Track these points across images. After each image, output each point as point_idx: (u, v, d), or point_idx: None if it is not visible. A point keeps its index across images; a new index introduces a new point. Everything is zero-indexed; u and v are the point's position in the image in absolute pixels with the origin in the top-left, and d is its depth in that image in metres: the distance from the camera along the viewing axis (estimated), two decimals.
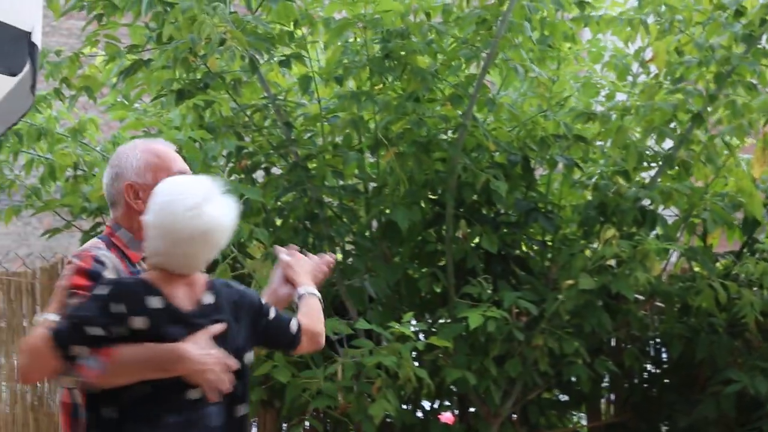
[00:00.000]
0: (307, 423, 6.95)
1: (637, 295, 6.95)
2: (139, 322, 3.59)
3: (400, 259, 6.93)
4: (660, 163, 6.94)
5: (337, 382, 6.37)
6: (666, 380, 7.47)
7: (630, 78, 7.24)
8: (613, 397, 7.63)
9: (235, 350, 3.69)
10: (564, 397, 7.40)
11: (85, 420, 3.70)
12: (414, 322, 6.65)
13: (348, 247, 6.99)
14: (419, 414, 7.11)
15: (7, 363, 7.92)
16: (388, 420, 6.73)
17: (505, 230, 6.95)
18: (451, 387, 6.93)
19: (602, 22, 6.92)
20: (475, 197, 6.81)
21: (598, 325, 6.72)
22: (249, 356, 3.78)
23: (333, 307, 6.79)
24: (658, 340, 7.43)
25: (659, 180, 6.93)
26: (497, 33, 6.43)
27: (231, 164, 6.77)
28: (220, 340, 3.66)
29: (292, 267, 4.07)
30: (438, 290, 7.00)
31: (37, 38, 4.13)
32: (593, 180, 7.02)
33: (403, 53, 6.56)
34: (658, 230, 6.94)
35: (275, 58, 6.67)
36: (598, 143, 7.09)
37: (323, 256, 4.18)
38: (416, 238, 6.94)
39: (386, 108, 6.65)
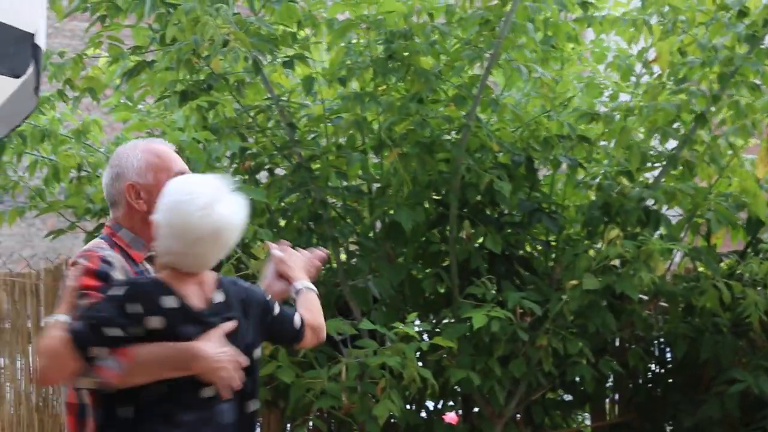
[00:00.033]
0: (311, 423, 6.96)
1: (641, 295, 6.95)
2: (155, 322, 3.62)
3: (403, 259, 6.93)
4: (664, 163, 6.94)
5: (341, 382, 6.37)
6: (670, 380, 7.47)
7: (633, 78, 7.24)
8: (617, 397, 7.63)
9: (244, 347, 3.73)
10: (568, 397, 7.41)
11: (92, 420, 3.72)
12: (418, 322, 6.65)
13: (352, 247, 7.00)
14: (423, 414, 7.11)
15: (11, 364, 7.92)
16: (392, 420, 6.73)
17: (508, 230, 6.95)
18: (456, 387, 6.93)
19: (605, 23, 6.92)
20: (478, 198, 6.82)
21: (602, 325, 6.71)
22: (257, 352, 3.82)
23: (337, 307, 6.79)
24: (662, 340, 7.42)
25: (663, 180, 6.93)
26: (500, 34, 6.43)
27: (234, 165, 6.78)
28: (231, 337, 3.70)
29: (285, 262, 4.09)
30: (442, 291, 7.00)
31: (40, 40, 4.13)
32: (597, 180, 7.02)
33: (406, 54, 6.56)
34: (662, 230, 6.94)
35: (278, 59, 6.67)
36: (602, 143, 7.09)
37: (315, 251, 4.20)
38: (420, 238, 6.94)
39: (390, 109, 6.65)
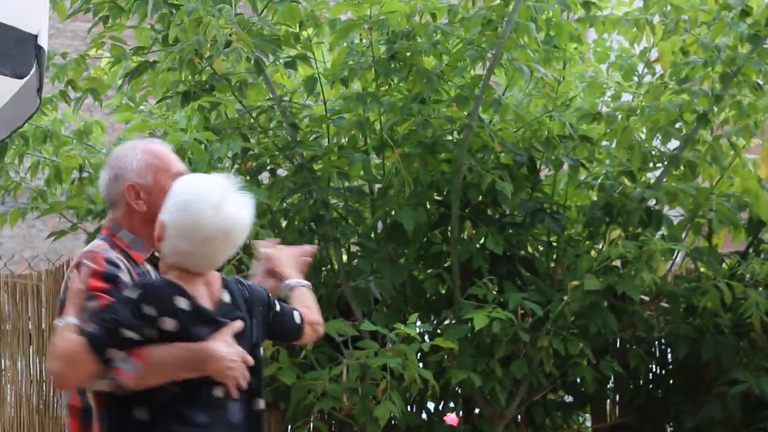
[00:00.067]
0: (312, 425, 6.96)
1: (642, 296, 6.94)
2: (168, 324, 3.63)
3: (405, 260, 6.92)
4: (665, 163, 6.94)
5: (342, 383, 6.37)
6: (671, 381, 7.46)
7: (635, 78, 7.24)
8: (618, 398, 7.62)
9: (250, 346, 3.76)
10: (569, 398, 7.40)
11: (98, 423, 3.72)
12: (419, 323, 6.66)
13: (353, 248, 7.00)
14: (424, 415, 7.11)
15: (13, 365, 7.91)
16: (393, 422, 6.72)
17: (510, 231, 6.94)
18: (456, 388, 6.93)
19: (608, 23, 6.92)
20: (480, 198, 6.81)
21: (603, 326, 6.71)
22: (261, 351, 3.84)
23: (338, 308, 6.79)
24: (663, 340, 7.41)
25: (665, 180, 6.93)
26: (503, 34, 6.42)
27: (236, 166, 6.77)
28: (238, 337, 3.72)
29: (274, 259, 4.10)
30: (443, 291, 7.00)
31: (43, 41, 4.13)
32: (599, 180, 7.01)
33: (408, 54, 6.56)
34: (664, 231, 6.94)
35: (281, 60, 6.67)
36: (604, 144, 7.08)
37: (304, 247, 4.21)
38: (421, 239, 6.94)
39: (392, 109, 6.64)
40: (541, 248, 7.16)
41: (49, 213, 7.29)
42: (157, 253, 3.84)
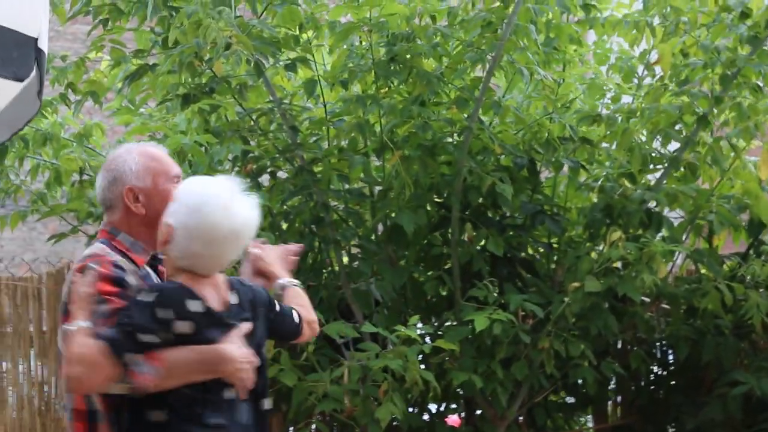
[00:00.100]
0: (313, 426, 6.96)
1: (643, 298, 6.95)
2: (183, 327, 3.66)
3: (405, 262, 6.92)
4: (666, 165, 6.94)
5: (343, 385, 6.37)
6: (672, 382, 7.47)
7: (635, 80, 7.24)
8: (619, 399, 7.64)
9: (256, 346, 3.80)
10: (570, 400, 7.40)
11: (105, 426, 3.74)
12: (420, 325, 6.65)
13: (354, 250, 7.00)
14: (425, 417, 7.11)
15: (14, 368, 7.92)
16: (395, 423, 6.73)
17: (510, 233, 6.94)
18: (458, 390, 6.94)
19: (607, 25, 6.91)
20: (480, 200, 6.81)
21: (604, 327, 6.71)
22: (265, 351, 3.88)
23: (339, 310, 6.79)
24: (664, 342, 7.42)
25: (665, 182, 6.93)
26: (502, 36, 6.42)
27: (237, 168, 6.77)
28: (246, 338, 3.76)
29: (262, 259, 4.12)
30: (444, 293, 7.00)
31: (43, 44, 4.14)
32: (599, 182, 7.01)
33: (408, 56, 6.56)
34: (664, 232, 6.94)
35: (281, 62, 6.67)
36: (604, 145, 7.08)
37: (290, 246, 4.23)
38: (422, 241, 6.94)
39: (392, 111, 6.64)
40: (542, 250, 7.16)
41: (49, 216, 7.29)
42: (161, 256, 3.85)
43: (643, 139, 6.86)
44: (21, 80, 4.06)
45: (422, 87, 6.56)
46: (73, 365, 3.60)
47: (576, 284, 6.53)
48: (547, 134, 6.80)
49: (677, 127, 6.82)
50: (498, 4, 6.49)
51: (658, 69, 6.92)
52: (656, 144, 6.91)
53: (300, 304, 4.06)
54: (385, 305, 6.79)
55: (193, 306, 3.67)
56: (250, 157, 6.72)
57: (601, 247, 6.86)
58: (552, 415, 7.26)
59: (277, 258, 4.15)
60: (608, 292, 6.63)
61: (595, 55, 7.29)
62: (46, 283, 7.92)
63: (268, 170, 6.87)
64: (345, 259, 6.88)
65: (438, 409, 7.15)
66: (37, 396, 7.89)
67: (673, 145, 6.91)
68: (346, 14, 6.73)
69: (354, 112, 6.64)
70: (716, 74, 6.67)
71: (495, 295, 6.54)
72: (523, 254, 7.09)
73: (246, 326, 3.76)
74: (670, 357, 7.49)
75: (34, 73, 4.12)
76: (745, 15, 6.57)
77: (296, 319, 4.00)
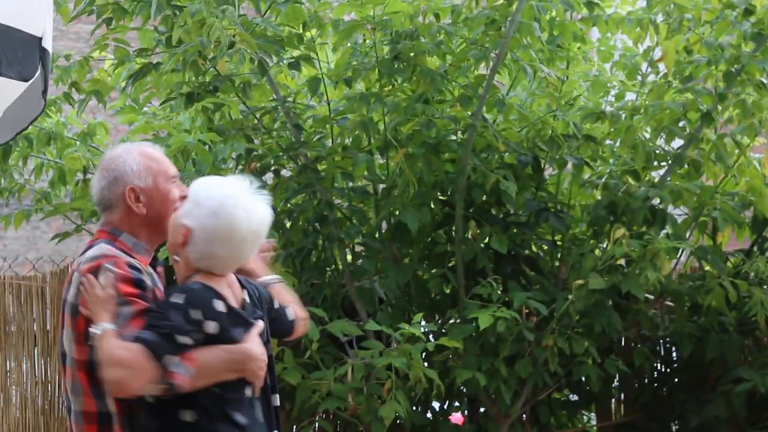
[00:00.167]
0: (317, 425, 6.96)
1: (647, 295, 6.95)
2: (211, 327, 3.69)
3: (409, 260, 6.93)
4: (669, 162, 6.94)
5: (347, 383, 6.38)
6: (676, 379, 7.47)
7: (639, 77, 7.24)
8: (623, 396, 7.63)
9: (265, 343, 3.84)
10: (574, 397, 7.41)
11: (119, 428, 3.74)
12: (424, 323, 6.65)
13: (358, 248, 7.00)
14: (429, 415, 7.11)
15: (18, 367, 7.92)
16: (398, 421, 6.73)
17: (514, 230, 6.95)
18: (461, 388, 6.93)
19: (611, 22, 6.91)
20: (484, 198, 6.81)
21: (608, 324, 6.71)
22: (270, 347, 3.92)
23: (343, 308, 6.80)
24: (668, 339, 7.42)
25: (669, 179, 6.93)
26: (506, 33, 6.42)
27: (240, 167, 6.77)
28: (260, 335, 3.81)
29: None
30: (448, 291, 7.00)
31: (47, 43, 4.14)
32: (603, 179, 7.01)
33: (412, 54, 6.56)
34: (668, 229, 6.94)
35: (284, 61, 6.67)
36: (608, 143, 7.09)
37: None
38: (426, 239, 6.94)
39: (395, 109, 6.64)
40: (546, 247, 7.16)
41: (53, 215, 7.30)
42: (176, 258, 3.84)
43: (647, 136, 6.86)
44: (26, 80, 4.07)
45: (426, 85, 6.56)
46: (114, 368, 3.60)
47: (580, 281, 6.53)
48: (550, 131, 6.80)
49: (681, 124, 6.82)
50: (501, 1, 6.50)
51: (661, 66, 6.93)
52: (660, 141, 6.91)
53: (290, 301, 4.10)
54: (388, 303, 6.79)
55: (219, 306, 3.71)
56: (253, 155, 6.72)
57: (605, 245, 6.87)
58: (555, 412, 7.26)
59: (253, 256, 4.16)
60: (612, 289, 6.63)
61: (599, 52, 7.29)
62: (50, 282, 7.92)
63: (272, 168, 6.87)
64: (349, 257, 6.88)
65: (441, 407, 7.15)
66: (40, 395, 7.88)
67: (677, 142, 6.90)
68: (349, 12, 6.73)
69: (358, 110, 6.64)
70: (720, 71, 6.67)
71: (499, 292, 6.54)
72: (527, 252, 7.09)
73: (261, 324, 3.81)
74: (674, 354, 7.49)
75: (38, 72, 4.13)
76: (749, 12, 6.56)
77: (291, 316, 4.05)
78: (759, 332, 7.07)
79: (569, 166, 6.90)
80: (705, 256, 6.93)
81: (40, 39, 4.10)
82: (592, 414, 7.72)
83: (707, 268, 7.08)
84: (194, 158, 6.47)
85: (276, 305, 3.99)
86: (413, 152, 6.57)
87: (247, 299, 3.83)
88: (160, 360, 3.60)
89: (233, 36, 6.08)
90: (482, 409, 7.05)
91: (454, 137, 6.73)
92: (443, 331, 6.77)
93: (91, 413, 3.78)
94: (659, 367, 7.56)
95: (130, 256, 3.85)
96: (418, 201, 6.66)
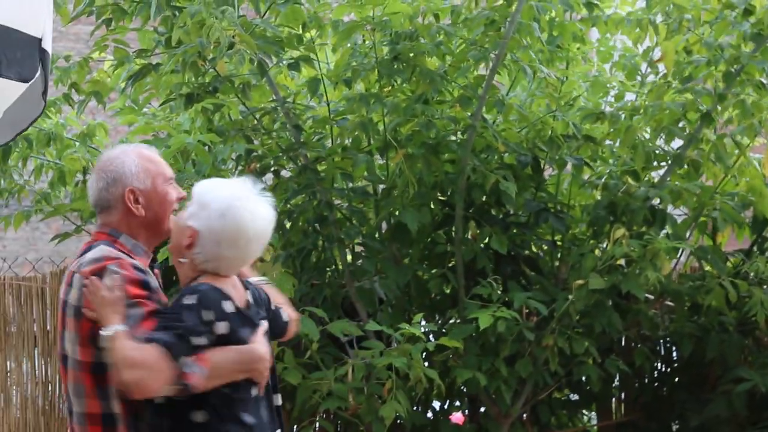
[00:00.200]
0: (317, 424, 6.96)
1: (647, 295, 6.95)
2: (222, 328, 3.72)
3: (409, 260, 6.93)
4: (669, 162, 6.94)
5: (347, 383, 6.38)
6: (676, 379, 7.47)
7: (639, 78, 7.24)
8: (623, 396, 7.63)
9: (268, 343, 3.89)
10: (574, 397, 7.41)
11: (124, 429, 3.74)
12: (424, 323, 6.66)
13: (358, 249, 7.00)
14: (430, 415, 7.11)
15: (18, 367, 7.92)
16: (399, 421, 6.73)
17: (514, 231, 6.95)
18: (462, 387, 6.94)
19: (611, 23, 6.91)
20: (484, 198, 6.81)
21: (608, 324, 6.72)
22: (271, 347, 3.94)
23: (343, 308, 6.80)
24: (668, 339, 7.42)
25: (669, 179, 6.93)
26: (506, 34, 6.42)
27: (240, 167, 6.77)
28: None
29: None
30: (448, 291, 7.00)
31: (47, 44, 4.14)
32: (603, 180, 7.01)
33: (411, 55, 6.56)
34: (668, 229, 6.94)
35: (284, 61, 6.67)
36: (608, 143, 7.09)
37: None
38: (426, 239, 6.94)
39: (395, 110, 6.65)
40: (546, 248, 7.16)
41: (52, 216, 7.30)
42: (182, 260, 3.84)
43: (647, 136, 6.87)
44: (25, 81, 4.07)
45: (425, 85, 6.57)
46: (133, 369, 3.61)
47: (580, 281, 6.53)
48: (550, 132, 6.80)
49: (681, 125, 6.82)
50: (501, 2, 6.50)
51: (661, 66, 6.93)
52: (660, 141, 6.91)
53: (281, 302, 4.12)
54: (389, 303, 6.79)
55: (228, 307, 3.73)
56: (253, 156, 6.72)
57: (604, 245, 6.87)
58: (556, 412, 7.27)
59: None
60: (612, 289, 6.63)
61: (599, 52, 7.29)
62: (50, 282, 7.93)
63: (272, 169, 6.87)
64: (349, 258, 6.88)
65: (442, 407, 7.15)
66: (41, 395, 7.89)
67: (677, 143, 6.91)
68: (349, 13, 6.73)
69: (357, 110, 6.64)
70: (720, 71, 6.68)
71: (499, 292, 6.54)
72: (526, 252, 7.09)
73: (266, 325, 3.84)
74: (674, 354, 7.49)
75: (38, 73, 4.13)
76: (748, 12, 6.57)
77: (285, 318, 4.08)
78: (759, 332, 7.07)
79: (569, 166, 6.90)
80: (705, 256, 6.94)
81: (40, 40, 4.10)
82: (593, 414, 7.72)
83: (707, 268, 7.09)
84: (194, 159, 6.48)
85: (273, 306, 4.02)
86: (413, 153, 6.57)
87: (251, 300, 3.84)
88: (177, 361, 3.61)
89: (233, 37, 6.08)
90: (483, 409, 7.05)
91: (453, 138, 6.74)
92: (443, 331, 6.77)
93: (95, 415, 3.78)
94: (659, 367, 7.56)
95: (130, 257, 3.85)
96: (418, 201, 6.66)
